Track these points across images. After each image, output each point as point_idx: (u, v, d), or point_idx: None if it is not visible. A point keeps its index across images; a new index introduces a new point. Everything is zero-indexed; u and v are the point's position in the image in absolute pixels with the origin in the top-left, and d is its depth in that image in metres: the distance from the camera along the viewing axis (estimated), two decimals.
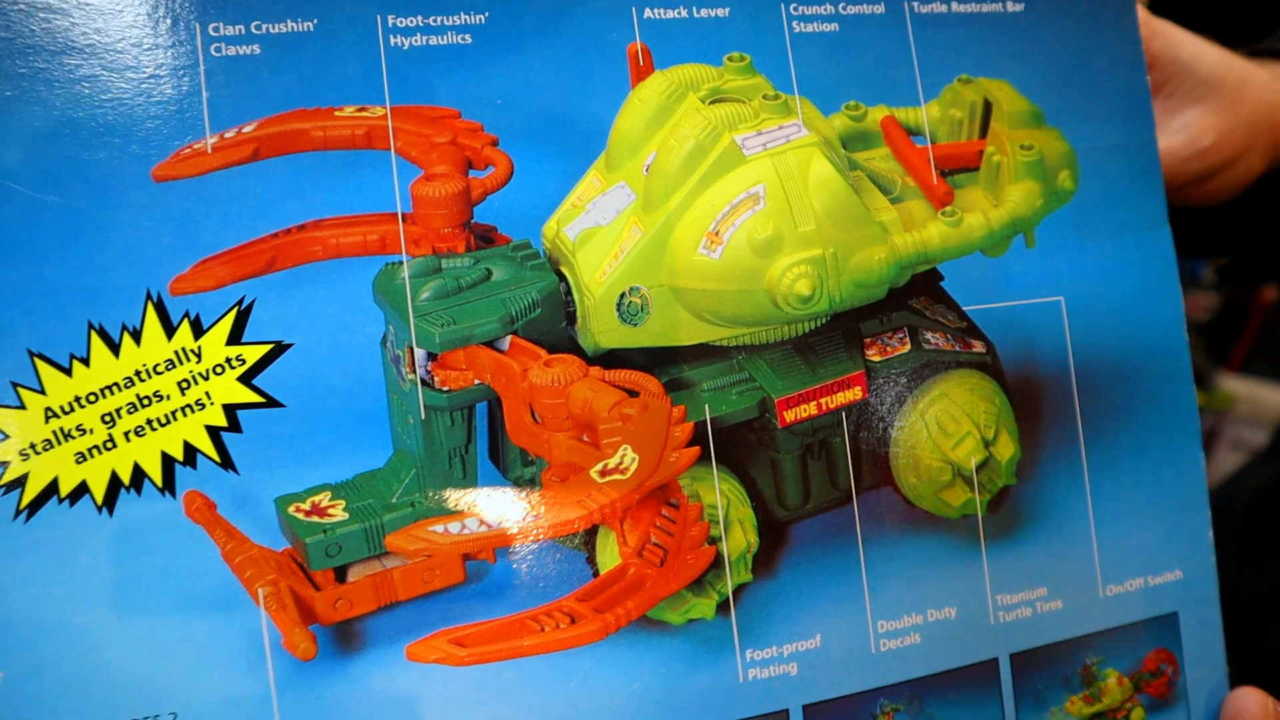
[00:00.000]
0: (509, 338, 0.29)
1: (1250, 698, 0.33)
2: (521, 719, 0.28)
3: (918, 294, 0.33)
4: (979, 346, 0.33)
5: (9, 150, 0.26)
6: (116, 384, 0.27)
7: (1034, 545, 0.33)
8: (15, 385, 0.26)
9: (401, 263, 0.28)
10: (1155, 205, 0.35)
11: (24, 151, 0.26)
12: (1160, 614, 0.34)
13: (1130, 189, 0.35)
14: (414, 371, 0.28)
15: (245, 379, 0.27)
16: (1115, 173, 0.34)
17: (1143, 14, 0.38)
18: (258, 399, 0.27)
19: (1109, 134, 0.34)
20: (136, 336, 0.27)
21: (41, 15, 0.26)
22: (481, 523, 0.28)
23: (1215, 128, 0.40)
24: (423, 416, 0.28)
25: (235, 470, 0.27)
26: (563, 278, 0.30)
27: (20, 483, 0.26)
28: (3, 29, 0.26)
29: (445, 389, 0.28)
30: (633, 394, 0.29)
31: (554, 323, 0.30)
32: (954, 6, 0.33)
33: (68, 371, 0.26)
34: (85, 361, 0.26)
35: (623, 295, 0.29)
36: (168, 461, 0.27)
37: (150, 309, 0.27)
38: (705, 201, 0.29)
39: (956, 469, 0.32)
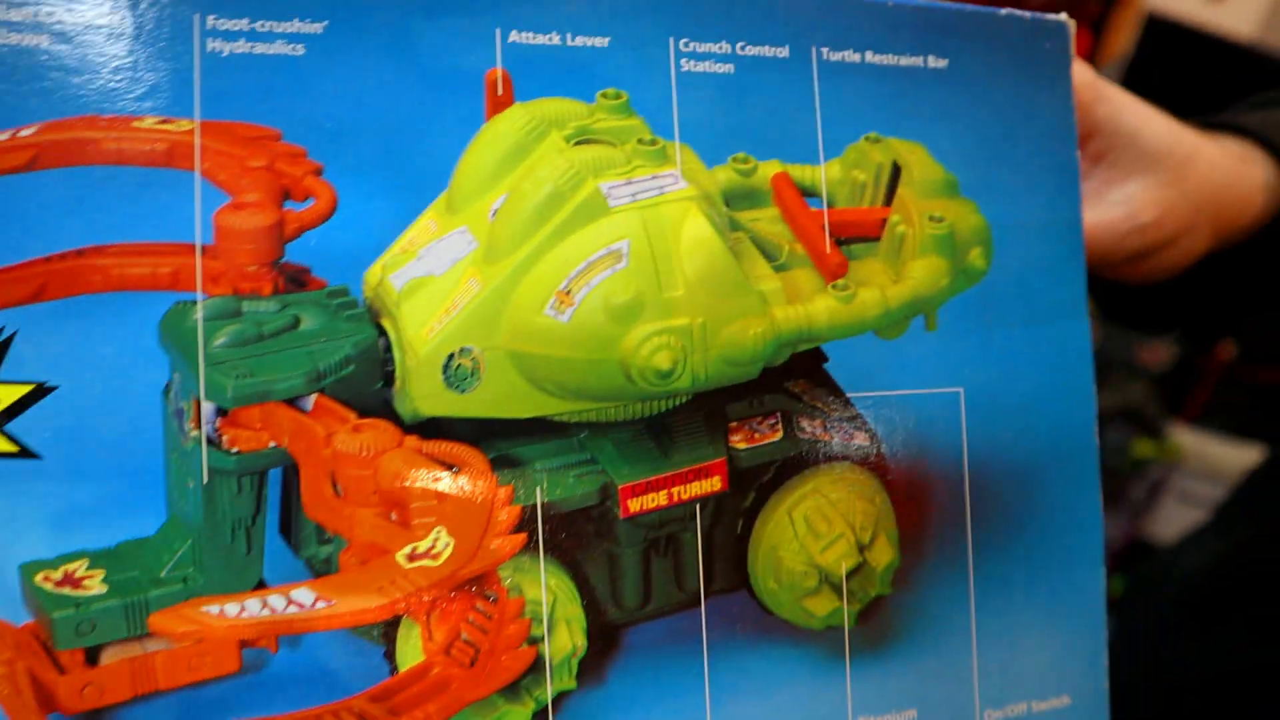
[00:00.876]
0: (314, 396, 0.25)
1: None
2: None
3: (796, 376, 0.30)
4: (862, 439, 0.29)
5: None
6: None
7: (906, 662, 0.29)
8: None
9: (196, 302, 0.25)
10: (1075, 292, 0.32)
11: None
12: None
13: (1049, 272, 0.31)
14: (199, 428, 0.25)
15: None
16: (1034, 253, 0.31)
17: (1088, 76, 0.35)
18: (10, 448, 0.23)
19: (1031, 210, 0.31)
20: None
21: None
22: (264, 605, 0.24)
23: (1157, 202, 0.38)
24: (205, 480, 0.25)
25: None
26: (383, 332, 0.26)
27: None
28: None
29: (234, 450, 0.25)
30: (452, 468, 0.25)
31: (368, 383, 0.26)
32: (868, 56, 0.30)
33: None
34: None
35: (451, 357, 0.26)
36: None
37: None
38: (558, 255, 0.26)
39: (824, 575, 0.29)
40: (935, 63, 0.30)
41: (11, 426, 0.24)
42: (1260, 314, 0.51)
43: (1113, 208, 0.37)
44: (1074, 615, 0.31)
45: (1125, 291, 0.43)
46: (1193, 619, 0.64)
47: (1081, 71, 0.34)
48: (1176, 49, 1.69)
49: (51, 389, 0.24)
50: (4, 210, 0.24)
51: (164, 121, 0.25)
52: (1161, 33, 1.68)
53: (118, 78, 0.24)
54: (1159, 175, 0.37)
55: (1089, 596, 0.31)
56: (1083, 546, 0.31)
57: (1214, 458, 1.65)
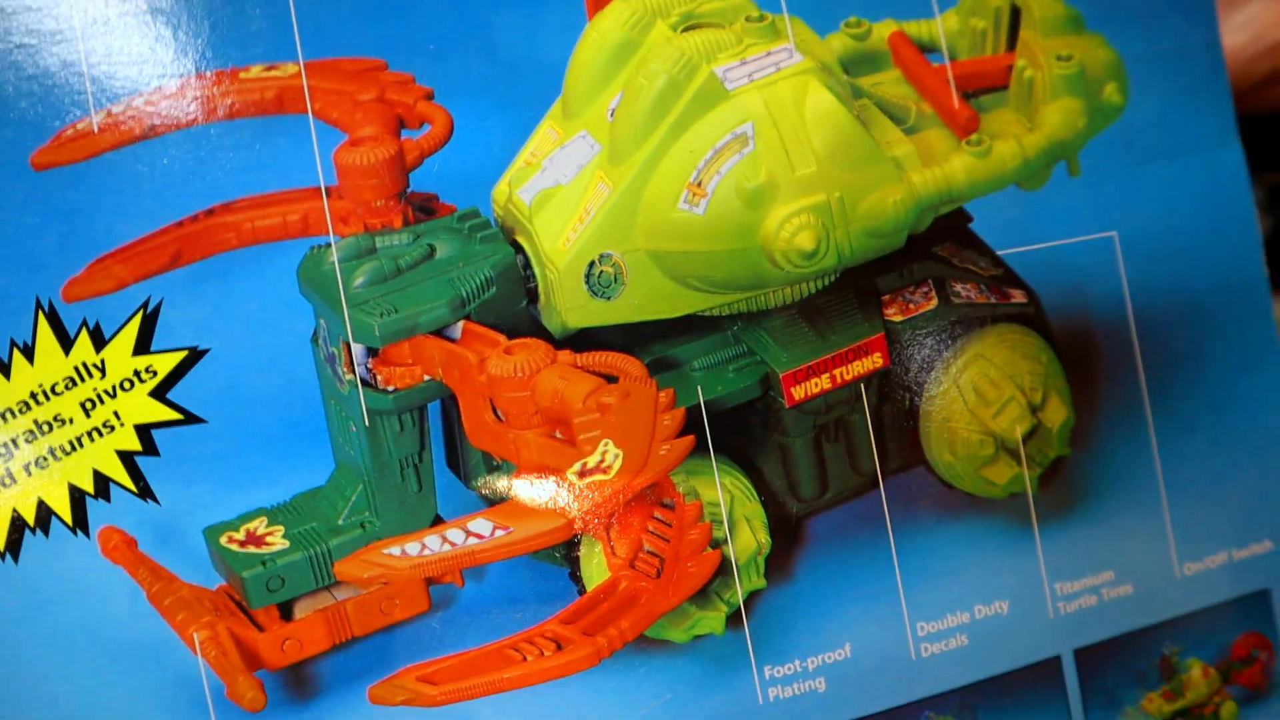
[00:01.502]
0: (461, 324, 0.26)
1: None
2: None
3: (943, 240, 0.30)
4: (1019, 296, 0.30)
5: None
6: (10, 410, 0.25)
7: (1096, 524, 0.30)
8: None
9: (329, 245, 0.26)
10: (1222, 117, 0.32)
11: None
12: (1248, 592, 0.32)
13: (1191, 100, 0.32)
14: (352, 371, 0.25)
15: (158, 393, 0.25)
16: (1172, 82, 0.32)
17: None
18: (174, 415, 0.25)
19: (1163, 37, 0.31)
20: (29, 353, 0.25)
21: None
22: (444, 541, 0.25)
23: None
24: (366, 423, 0.25)
25: (155, 500, 0.25)
26: (520, 249, 0.27)
27: None
28: None
29: (390, 388, 0.26)
30: (610, 379, 0.26)
31: (513, 303, 0.27)
32: None
33: None
34: None
35: (592, 264, 0.26)
36: (76, 495, 0.24)
37: (42, 320, 0.24)
38: (683, 147, 0.26)
39: (1000, 441, 0.29)
40: None
41: (174, 394, 0.25)
42: None
43: (1236, 32, 0.37)
44: (1264, 454, 0.32)
45: (1265, 125, 0.42)
46: None
47: None
48: None
49: (204, 352, 0.25)
50: (129, 180, 0.25)
51: (269, 68, 0.26)
52: None
53: (217, 30, 0.25)
54: None
55: (1278, 433, 0.31)
56: (1264, 381, 0.32)
57: None
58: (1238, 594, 0.31)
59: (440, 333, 0.26)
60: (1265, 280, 0.31)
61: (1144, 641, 0.30)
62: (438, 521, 0.27)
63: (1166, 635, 0.31)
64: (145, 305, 0.25)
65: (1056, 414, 0.30)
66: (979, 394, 0.29)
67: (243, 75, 0.25)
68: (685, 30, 0.27)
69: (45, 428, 0.24)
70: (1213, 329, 0.31)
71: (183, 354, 0.25)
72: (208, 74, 0.25)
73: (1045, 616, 0.30)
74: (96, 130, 0.24)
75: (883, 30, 0.30)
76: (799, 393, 0.27)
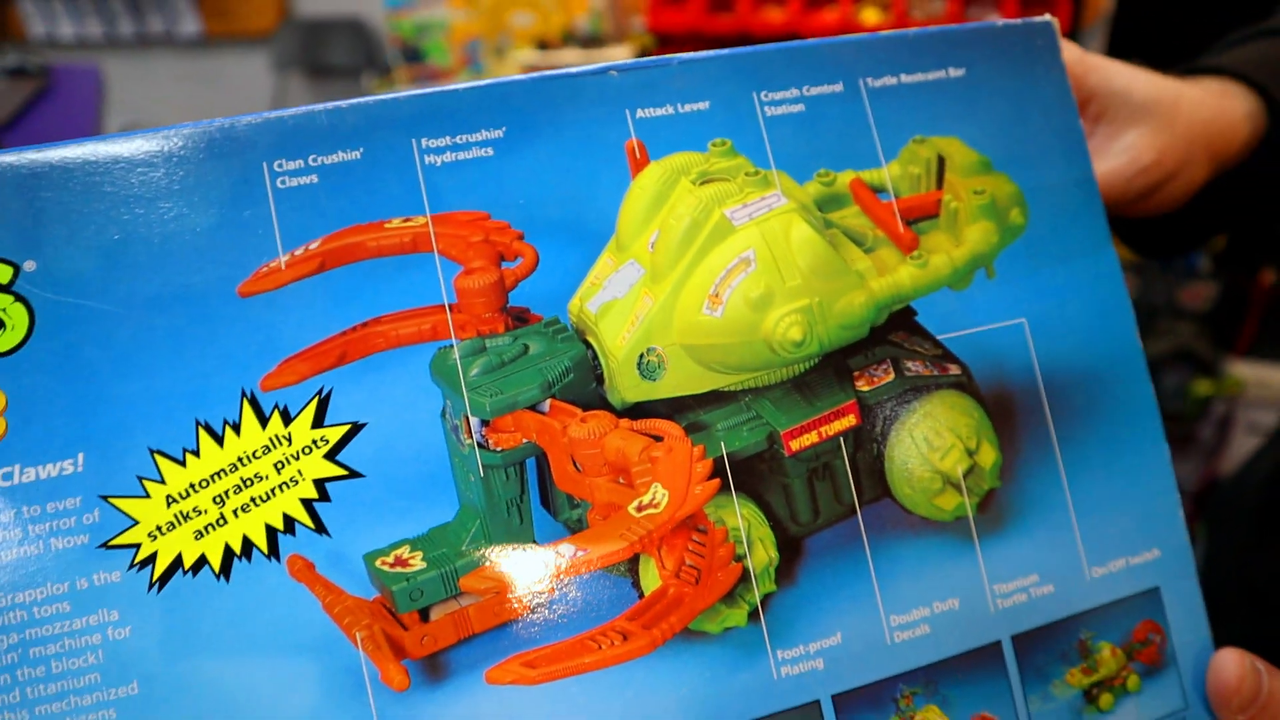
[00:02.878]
0: (548, 401, 0.34)
1: (1229, 658, 0.36)
2: None
3: (895, 329, 0.37)
4: (955, 369, 0.37)
5: (121, 284, 0.31)
6: (223, 470, 0.31)
7: (1022, 538, 0.36)
8: (140, 478, 0.31)
9: (452, 346, 0.33)
10: (1098, 229, 0.39)
11: (133, 283, 0.31)
12: (1143, 589, 0.37)
13: (1074, 218, 0.39)
14: (471, 437, 0.33)
15: (330, 456, 0.32)
16: (1059, 206, 0.39)
17: (1077, 53, 0.42)
18: (342, 472, 0.32)
19: (1050, 173, 0.39)
20: (236, 429, 0.31)
21: (139, 170, 0.32)
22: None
23: (1154, 146, 0.44)
24: (481, 474, 0.33)
25: (328, 534, 0.31)
26: (589, 346, 0.34)
27: (151, 560, 0.31)
28: (109, 184, 0.32)
29: (499, 449, 0.33)
30: (657, 439, 0.33)
31: (585, 385, 0.34)
32: (903, 78, 0.38)
33: (182, 463, 0.31)
34: (195, 453, 0.31)
35: (642, 356, 0.34)
36: (271, 532, 0.31)
37: (246, 404, 0.31)
38: (704, 269, 0.34)
39: (945, 478, 0.36)
40: (955, 72, 0.39)
41: (340, 457, 0.32)
42: (1259, 223, 0.58)
43: (1117, 157, 0.44)
44: (1148, 483, 0.38)
45: (1147, 225, 0.50)
46: (1264, 525, 0.69)
47: (1070, 50, 0.41)
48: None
49: (363, 425, 0.32)
50: (308, 303, 0.32)
51: (406, 220, 0.33)
52: None
53: (368, 194, 0.33)
54: (1151, 123, 0.44)
55: (1157, 466, 0.38)
56: (1145, 427, 0.38)
57: (1274, 384, 1.68)
58: (1135, 591, 0.37)
59: (534, 408, 0.33)
60: (1140, 350, 0.38)
61: (1065, 629, 0.36)
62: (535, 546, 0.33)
63: (1082, 624, 0.36)
64: (320, 392, 0.32)
65: (988, 456, 0.36)
66: (929, 442, 0.35)
67: (387, 225, 0.33)
68: (702, 183, 0.34)
69: (248, 482, 0.32)
70: (1103, 388, 0.38)
71: (347, 427, 0.32)
72: (361, 225, 0.33)
73: (987, 610, 0.35)
74: (283, 268, 0.32)
75: (845, 178, 0.37)
76: (795, 445, 0.35)
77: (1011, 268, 0.38)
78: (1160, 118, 0.44)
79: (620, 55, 2.30)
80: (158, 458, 0.31)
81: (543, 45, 2.41)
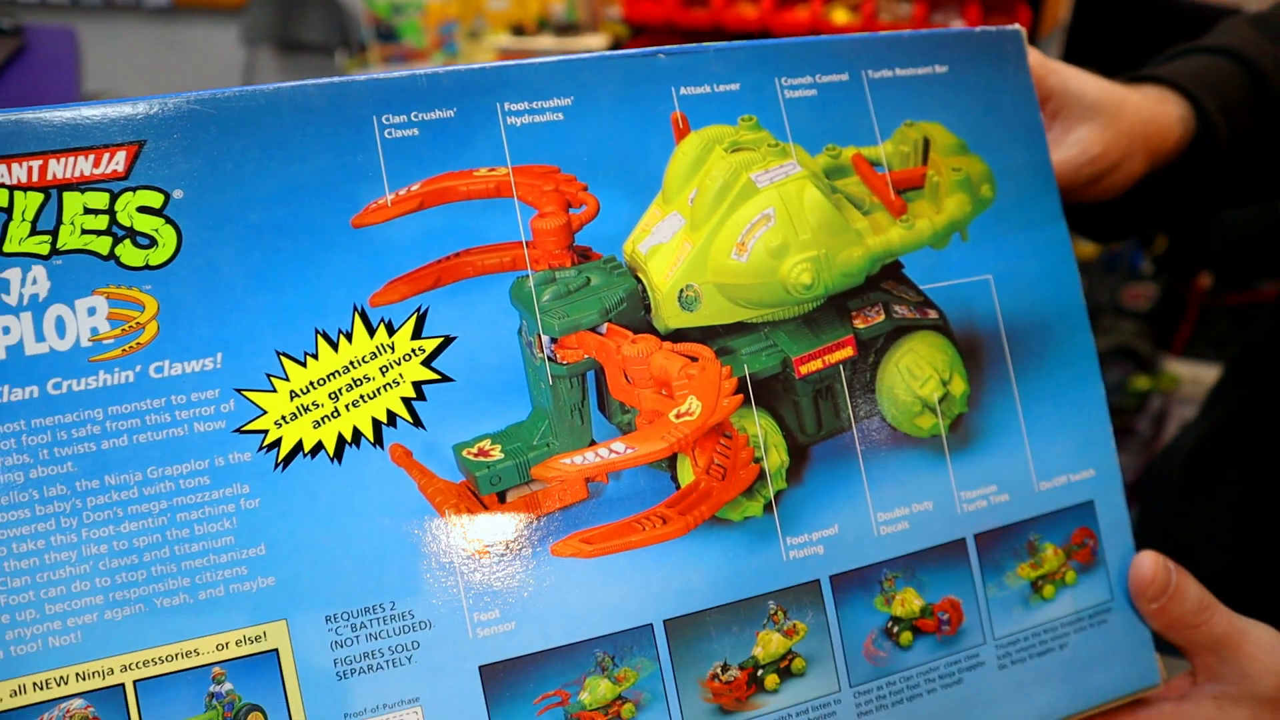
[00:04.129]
0: (606, 324, 0.40)
1: (1146, 557, 0.44)
2: (632, 595, 0.38)
3: (886, 279, 0.43)
4: (933, 314, 0.43)
5: (254, 212, 0.37)
6: (337, 371, 0.37)
7: (984, 455, 0.44)
8: (269, 375, 0.37)
9: (528, 276, 0.39)
10: (1053, 205, 0.46)
11: (264, 212, 0.37)
12: (1081, 502, 0.45)
13: (1033, 195, 0.46)
14: (542, 351, 0.39)
15: (426, 363, 0.38)
16: (1021, 183, 0.46)
17: (1039, 57, 0.50)
18: (436, 376, 0.38)
19: (1015, 156, 0.46)
20: (349, 337, 0.37)
21: (271, 117, 0.37)
22: (597, 455, 0.39)
23: (1101, 140, 0.51)
24: (550, 383, 0.40)
25: (424, 427, 0.37)
26: (639, 281, 0.41)
27: (276, 444, 0.37)
28: (248, 128, 0.37)
29: (564, 363, 0.39)
30: (693, 359, 0.40)
31: (636, 313, 0.41)
32: (898, 71, 0.45)
33: (303, 364, 0.37)
34: (315, 356, 0.37)
35: (682, 290, 0.41)
36: (376, 424, 0.37)
37: (357, 317, 0.37)
38: (733, 222, 0.41)
39: (924, 402, 0.43)
40: (940, 69, 0.46)
41: (435, 364, 0.38)
42: (1188, 215, 0.66)
43: (1070, 149, 0.51)
44: (1086, 415, 0.46)
45: (1089, 209, 0.58)
46: (1187, 491, 0.77)
47: (1033, 55, 0.48)
48: (1107, 8, 1.88)
49: (454, 338, 0.38)
50: (409, 236, 0.38)
51: (490, 170, 0.39)
52: None
53: (460, 146, 0.39)
54: (1099, 120, 0.51)
55: (1094, 401, 0.46)
56: (1085, 367, 0.46)
57: (1206, 382, 1.79)
58: (1074, 502, 0.44)
59: (594, 330, 0.39)
60: (1083, 305, 0.45)
61: (1017, 531, 0.43)
62: (593, 444, 0.39)
63: (1031, 527, 0.43)
64: (419, 309, 0.37)
65: (958, 386, 0.43)
66: (910, 372, 0.42)
67: (475, 173, 0.38)
68: (733, 152, 0.41)
69: (358, 382, 0.37)
70: (1052, 335, 0.45)
71: (441, 339, 0.37)
72: (453, 173, 0.39)
73: (955, 513, 0.42)
74: (389, 204, 0.37)
75: (848, 153, 0.43)
76: (804, 369, 0.41)
77: (981, 233, 0.45)
78: (1107, 116, 0.52)
79: (595, 43, 2.35)
80: (283, 359, 0.37)
81: (518, 30, 2.45)
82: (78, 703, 0.34)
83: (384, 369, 0.38)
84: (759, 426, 0.41)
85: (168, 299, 0.36)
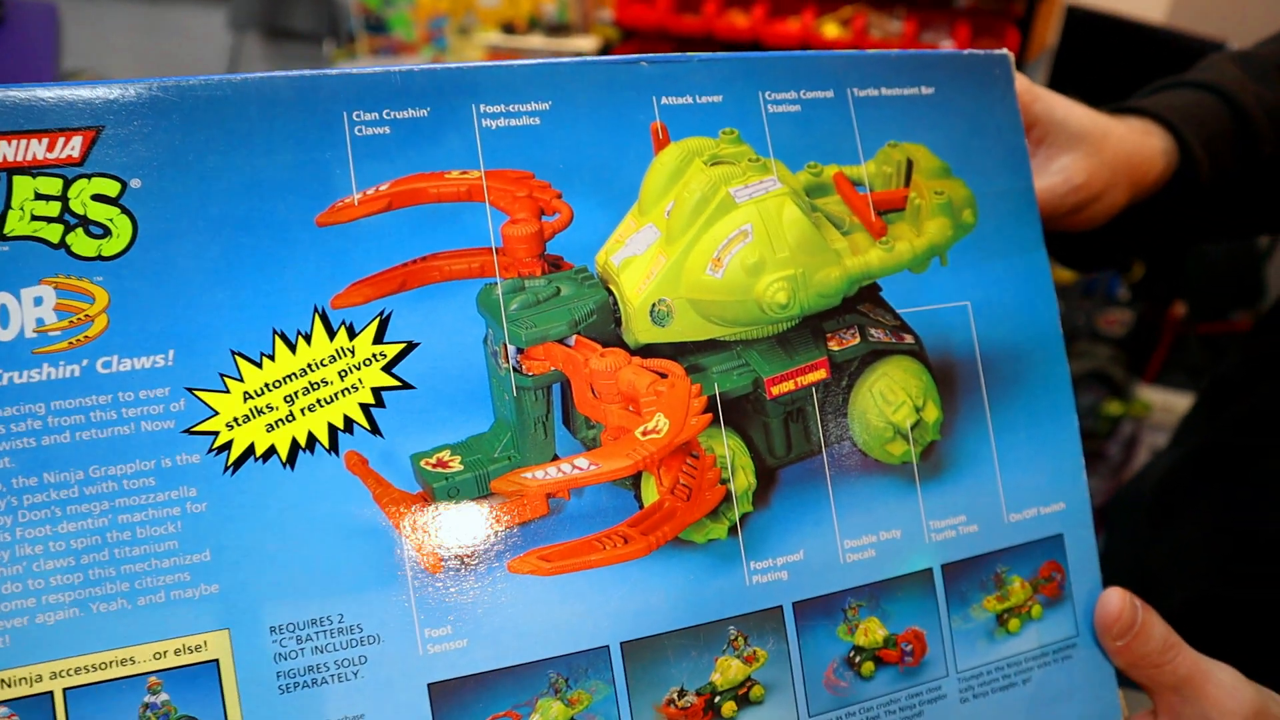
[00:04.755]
0: (574, 336, 0.39)
1: (1113, 594, 0.44)
2: (589, 614, 0.37)
3: (863, 301, 0.43)
4: (909, 339, 0.43)
5: (214, 206, 0.36)
6: (294, 373, 0.36)
7: (955, 484, 0.43)
8: (222, 375, 0.35)
9: (496, 283, 0.38)
10: (1034, 233, 0.46)
11: (225, 206, 0.36)
12: (1050, 535, 0.45)
13: (1015, 221, 0.46)
14: (508, 362, 0.38)
15: (387, 368, 0.37)
16: (1003, 210, 0.45)
17: (1026, 83, 0.50)
18: (396, 383, 0.37)
19: (998, 181, 0.46)
20: (308, 339, 0.36)
21: (236, 108, 0.36)
22: (559, 470, 0.38)
23: (1085, 169, 0.51)
24: (515, 394, 0.39)
25: (381, 435, 0.36)
26: (611, 293, 0.40)
27: (227, 447, 0.35)
28: (212, 119, 0.36)
29: (530, 374, 0.39)
30: (663, 376, 0.39)
31: (606, 326, 0.40)
32: (883, 90, 0.45)
33: (258, 365, 0.36)
34: (271, 358, 0.36)
35: (654, 305, 0.40)
36: (332, 430, 0.36)
37: (317, 319, 0.36)
38: (710, 236, 0.40)
39: (896, 428, 0.42)
40: (926, 90, 0.45)
41: (396, 370, 0.37)
42: (1167, 247, 0.66)
43: (1054, 176, 0.51)
44: (1059, 447, 0.45)
45: (1070, 238, 0.57)
46: (1156, 519, 0.77)
47: (1020, 81, 0.48)
48: (1095, 36, 1.90)
49: (416, 344, 0.37)
50: (376, 236, 0.37)
51: (463, 173, 0.38)
52: (1081, 23, 1.88)
53: (432, 147, 0.38)
54: (1084, 149, 0.51)
55: (1068, 432, 0.45)
56: (1060, 399, 0.45)
57: (1177, 409, 1.81)
58: (1043, 535, 0.44)
59: (562, 341, 0.39)
60: (1060, 336, 0.45)
61: (985, 562, 0.43)
62: (556, 458, 0.39)
63: (999, 559, 0.43)
64: (381, 313, 0.36)
65: (931, 413, 0.42)
66: (884, 397, 0.42)
67: (446, 175, 0.38)
68: (712, 165, 0.40)
69: (315, 386, 0.36)
70: (1028, 365, 0.44)
71: (403, 345, 0.36)
72: (424, 174, 0.38)
73: (923, 541, 0.42)
74: (356, 204, 0.36)
75: (830, 171, 0.42)
76: (776, 390, 0.40)
77: (961, 258, 0.45)
78: (1091, 145, 0.52)
79: (585, 45, 2.35)
80: (238, 359, 0.36)
81: (508, 29, 2.44)
82: (2, 711, 0.32)
83: (343, 373, 0.37)
84: (727, 447, 0.40)
85: (120, 291, 0.35)
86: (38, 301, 0.34)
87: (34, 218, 0.34)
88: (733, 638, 0.39)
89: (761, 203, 0.41)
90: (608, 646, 0.38)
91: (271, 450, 0.36)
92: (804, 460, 0.42)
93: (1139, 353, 1.96)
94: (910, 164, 0.44)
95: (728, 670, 0.39)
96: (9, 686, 0.32)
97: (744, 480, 0.40)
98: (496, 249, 0.39)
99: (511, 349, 0.38)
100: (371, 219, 0.37)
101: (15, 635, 0.33)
